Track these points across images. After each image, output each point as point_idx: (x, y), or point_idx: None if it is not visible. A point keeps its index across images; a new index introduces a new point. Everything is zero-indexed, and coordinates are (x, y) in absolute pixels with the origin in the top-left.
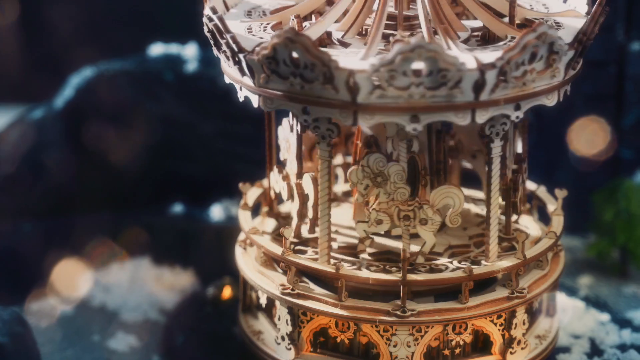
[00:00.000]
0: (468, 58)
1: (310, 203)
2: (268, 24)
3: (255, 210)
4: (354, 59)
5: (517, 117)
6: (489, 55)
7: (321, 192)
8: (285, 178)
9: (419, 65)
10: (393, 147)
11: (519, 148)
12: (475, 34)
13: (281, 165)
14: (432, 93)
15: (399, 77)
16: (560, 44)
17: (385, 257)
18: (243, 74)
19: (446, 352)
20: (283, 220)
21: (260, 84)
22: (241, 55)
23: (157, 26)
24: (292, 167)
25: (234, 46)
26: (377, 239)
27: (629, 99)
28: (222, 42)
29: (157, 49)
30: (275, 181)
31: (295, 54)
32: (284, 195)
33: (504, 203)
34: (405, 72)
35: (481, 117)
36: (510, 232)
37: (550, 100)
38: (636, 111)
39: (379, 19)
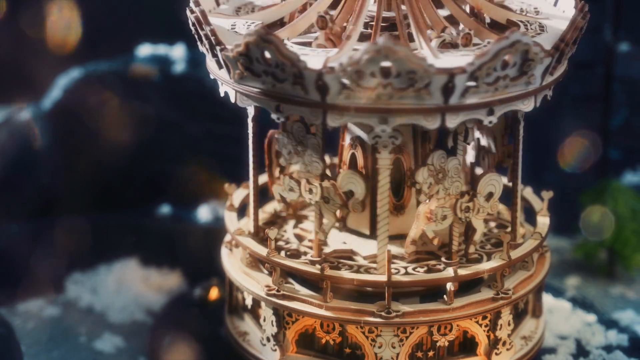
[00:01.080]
0: (317, 59)
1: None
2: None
3: (241, 212)
4: None
5: (384, 130)
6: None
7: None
8: None
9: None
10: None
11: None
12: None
13: None
14: (291, 88)
15: (255, 64)
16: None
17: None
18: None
19: (419, 354)
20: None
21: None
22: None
23: (145, 27)
24: None
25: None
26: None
27: (616, 100)
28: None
29: (145, 50)
30: None
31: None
32: None
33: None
34: (257, 60)
35: (334, 121)
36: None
37: (453, 124)
38: (624, 112)
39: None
